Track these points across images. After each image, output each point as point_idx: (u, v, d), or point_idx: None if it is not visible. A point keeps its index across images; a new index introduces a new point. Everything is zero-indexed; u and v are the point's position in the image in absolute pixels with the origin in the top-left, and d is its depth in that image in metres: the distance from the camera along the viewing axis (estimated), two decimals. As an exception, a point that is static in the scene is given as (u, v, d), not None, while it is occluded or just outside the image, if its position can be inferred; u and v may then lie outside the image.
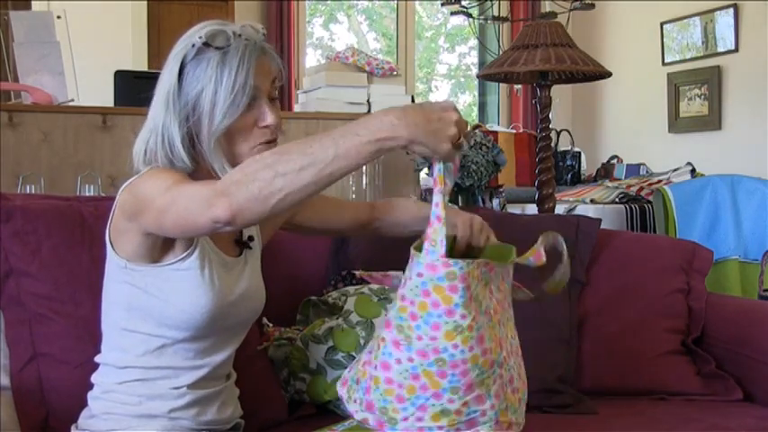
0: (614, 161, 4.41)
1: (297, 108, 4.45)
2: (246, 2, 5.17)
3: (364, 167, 3.01)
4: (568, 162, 4.14)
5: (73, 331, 1.52)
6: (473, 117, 6.17)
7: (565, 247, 1.27)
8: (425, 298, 1.08)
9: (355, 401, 1.14)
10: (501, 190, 3.04)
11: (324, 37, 6.23)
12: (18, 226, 1.54)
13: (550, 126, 2.71)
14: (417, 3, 5.96)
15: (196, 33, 1.29)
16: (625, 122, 5.67)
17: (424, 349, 1.08)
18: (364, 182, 3.08)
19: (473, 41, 6.37)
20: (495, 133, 3.99)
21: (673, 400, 1.85)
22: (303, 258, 1.95)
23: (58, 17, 3.33)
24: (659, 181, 3.33)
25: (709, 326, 1.97)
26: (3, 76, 3.64)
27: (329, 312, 1.78)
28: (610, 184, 3.51)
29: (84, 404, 1.39)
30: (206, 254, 1.32)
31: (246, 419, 1.50)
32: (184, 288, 1.30)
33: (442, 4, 4.14)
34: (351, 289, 1.81)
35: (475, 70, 6.40)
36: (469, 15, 4.04)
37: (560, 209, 3.07)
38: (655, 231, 3.05)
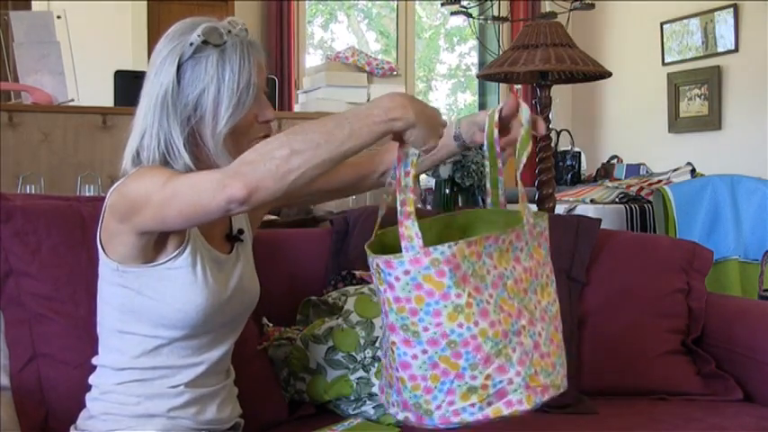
0: (614, 161, 4.41)
1: (297, 108, 4.46)
2: (246, 2, 5.17)
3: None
4: (568, 162, 4.14)
5: (73, 331, 1.52)
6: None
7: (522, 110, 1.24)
8: (419, 291, 1.11)
9: (393, 404, 1.19)
10: (501, 190, 3.04)
11: (324, 37, 6.24)
12: (18, 226, 1.54)
13: (550, 126, 2.71)
14: (417, 3, 5.96)
15: (190, 32, 1.28)
16: (625, 122, 5.68)
17: (433, 338, 1.11)
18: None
19: (473, 41, 6.37)
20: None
21: (673, 400, 1.85)
22: (303, 258, 1.95)
23: (58, 17, 3.33)
24: (659, 181, 3.33)
25: (709, 326, 1.97)
26: (3, 76, 3.64)
27: (329, 312, 1.78)
28: (610, 184, 3.51)
29: (83, 405, 1.39)
30: (198, 251, 1.32)
31: (246, 419, 1.50)
32: (178, 287, 1.30)
33: (442, 5, 4.13)
34: (351, 289, 1.81)
35: (475, 70, 6.40)
36: (469, 15, 4.04)
37: (560, 209, 3.07)
38: (655, 231, 3.05)
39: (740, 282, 2.94)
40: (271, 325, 1.79)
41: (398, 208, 1.14)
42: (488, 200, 1.29)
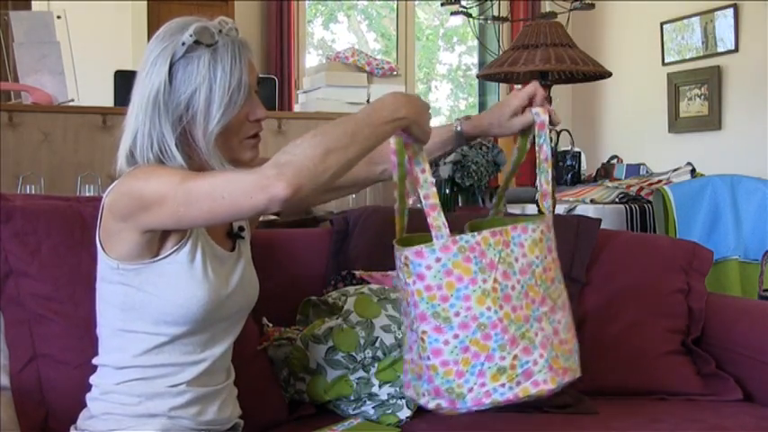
0: (614, 161, 4.40)
1: (297, 108, 4.45)
2: (246, 2, 5.16)
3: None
4: (568, 162, 4.14)
5: (73, 331, 1.52)
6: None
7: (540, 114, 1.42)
8: (449, 277, 1.19)
9: (424, 395, 1.24)
10: (501, 190, 3.03)
11: (324, 37, 6.23)
12: (18, 226, 1.54)
13: (550, 126, 2.70)
14: (417, 3, 5.96)
15: (181, 32, 1.28)
16: (625, 122, 5.67)
17: (464, 321, 1.19)
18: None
19: (473, 41, 6.37)
20: (494, 133, 3.98)
21: (673, 400, 1.85)
22: (303, 258, 1.95)
23: (58, 17, 3.33)
24: (659, 181, 3.33)
25: (709, 326, 1.97)
26: (3, 76, 3.64)
27: (329, 312, 1.78)
28: (610, 184, 3.50)
29: (83, 405, 1.39)
30: (200, 246, 1.33)
31: (246, 419, 1.50)
32: (179, 281, 1.30)
33: (442, 5, 4.13)
34: (351, 289, 1.81)
35: (475, 70, 6.40)
36: (469, 15, 4.04)
37: (560, 209, 3.07)
38: (655, 231, 3.05)
39: (740, 282, 2.93)
40: (271, 325, 1.79)
41: (423, 202, 1.23)
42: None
